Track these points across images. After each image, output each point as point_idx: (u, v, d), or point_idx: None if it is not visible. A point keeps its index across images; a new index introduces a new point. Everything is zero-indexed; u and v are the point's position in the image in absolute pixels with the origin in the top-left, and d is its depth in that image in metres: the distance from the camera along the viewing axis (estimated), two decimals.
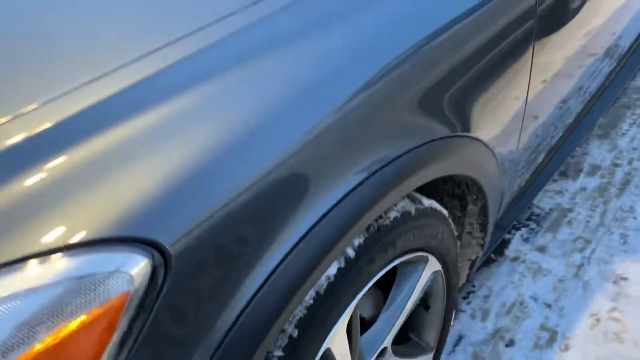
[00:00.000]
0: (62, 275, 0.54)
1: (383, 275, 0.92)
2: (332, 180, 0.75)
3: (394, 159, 0.82)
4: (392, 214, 0.89)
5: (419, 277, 1.03)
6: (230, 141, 0.66)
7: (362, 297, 0.87)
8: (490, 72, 0.99)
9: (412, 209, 0.93)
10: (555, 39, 1.17)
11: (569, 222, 1.82)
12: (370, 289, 0.91)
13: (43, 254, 0.54)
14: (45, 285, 0.53)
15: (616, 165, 2.05)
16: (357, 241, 0.84)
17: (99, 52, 0.79)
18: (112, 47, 0.80)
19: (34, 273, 0.54)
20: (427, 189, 1.09)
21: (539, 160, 1.59)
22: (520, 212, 1.54)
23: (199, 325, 0.62)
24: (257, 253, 0.66)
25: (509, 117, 1.12)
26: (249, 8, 0.83)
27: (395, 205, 0.90)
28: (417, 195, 0.98)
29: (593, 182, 1.98)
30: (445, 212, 1.05)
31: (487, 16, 0.95)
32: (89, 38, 0.85)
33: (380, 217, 0.87)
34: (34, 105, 0.68)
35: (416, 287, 1.04)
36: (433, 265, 1.06)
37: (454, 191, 1.16)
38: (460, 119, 0.94)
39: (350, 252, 0.82)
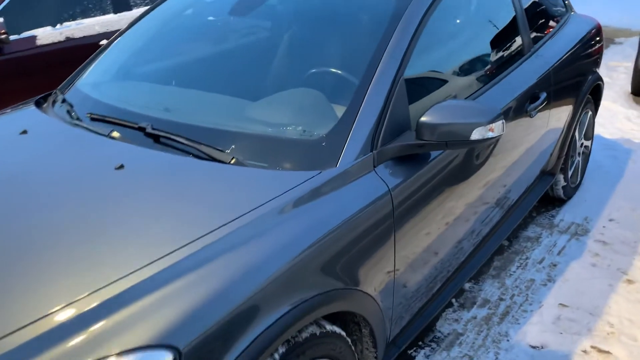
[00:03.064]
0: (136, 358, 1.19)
1: None
2: (271, 308, 1.40)
3: (306, 300, 1.47)
4: (304, 334, 1.54)
5: None
6: (214, 294, 1.33)
7: None
8: (366, 254, 1.69)
9: (317, 331, 1.58)
10: (414, 226, 1.91)
11: (460, 343, 2.46)
12: None
13: (124, 353, 1.19)
14: None
15: (501, 299, 2.73)
16: (281, 350, 1.48)
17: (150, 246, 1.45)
18: (145, 250, 1.43)
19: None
20: (342, 317, 1.75)
21: (436, 288, 2.26)
22: (415, 332, 2.17)
23: None
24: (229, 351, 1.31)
25: (384, 280, 1.81)
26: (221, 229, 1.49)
27: (307, 328, 1.56)
28: (323, 322, 1.64)
29: (482, 313, 2.64)
30: (343, 333, 1.69)
31: (357, 221, 1.66)
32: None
33: (296, 335, 1.52)
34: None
35: None
36: None
37: (354, 319, 1.82)
38: (351, 279, 1.62)
39: (276, 356, 1.46)
